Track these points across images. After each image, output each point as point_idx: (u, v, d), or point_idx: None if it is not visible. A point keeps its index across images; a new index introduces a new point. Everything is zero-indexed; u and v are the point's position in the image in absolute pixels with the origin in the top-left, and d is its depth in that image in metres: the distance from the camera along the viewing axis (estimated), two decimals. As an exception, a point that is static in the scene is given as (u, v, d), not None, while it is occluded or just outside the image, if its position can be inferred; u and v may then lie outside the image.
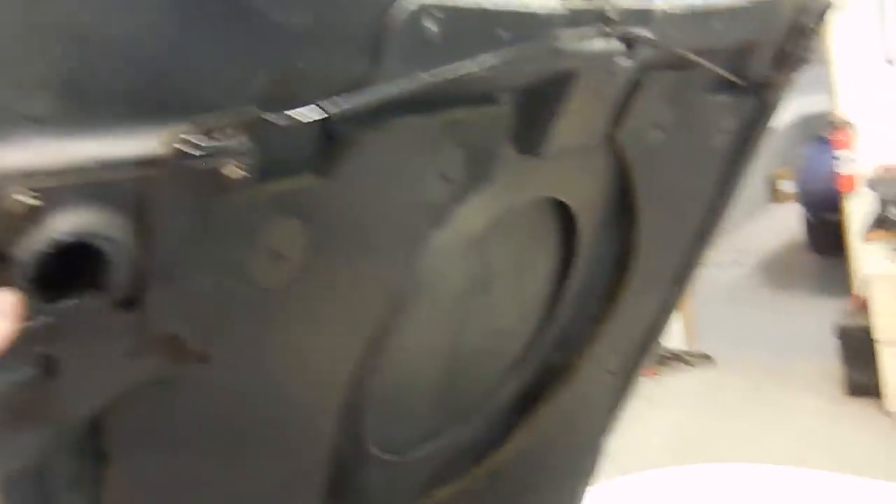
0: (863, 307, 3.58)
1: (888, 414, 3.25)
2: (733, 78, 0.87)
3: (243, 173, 0.40)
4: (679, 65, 0.78)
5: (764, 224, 5.54)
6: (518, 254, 0.90)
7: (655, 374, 3.25)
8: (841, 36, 3.63)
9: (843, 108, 3.76)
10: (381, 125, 0.52)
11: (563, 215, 0.91)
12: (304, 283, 0.55)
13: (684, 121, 0.88)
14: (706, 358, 3.63)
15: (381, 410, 0.82)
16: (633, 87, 0.73)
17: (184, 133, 0.37)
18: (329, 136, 0.50)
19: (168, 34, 0.36)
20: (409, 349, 0.82)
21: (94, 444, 0.47)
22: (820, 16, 0.89)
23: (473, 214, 0.73)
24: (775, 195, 6.23)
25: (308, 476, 0.73)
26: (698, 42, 0.76)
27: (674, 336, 3.45)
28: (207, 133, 0.38)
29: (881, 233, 3.50)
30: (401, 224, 0.60)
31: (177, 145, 0.37)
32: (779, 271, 4.73)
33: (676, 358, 3.57)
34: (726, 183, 1.10)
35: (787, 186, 5.86)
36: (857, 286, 3.77)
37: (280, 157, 0.45)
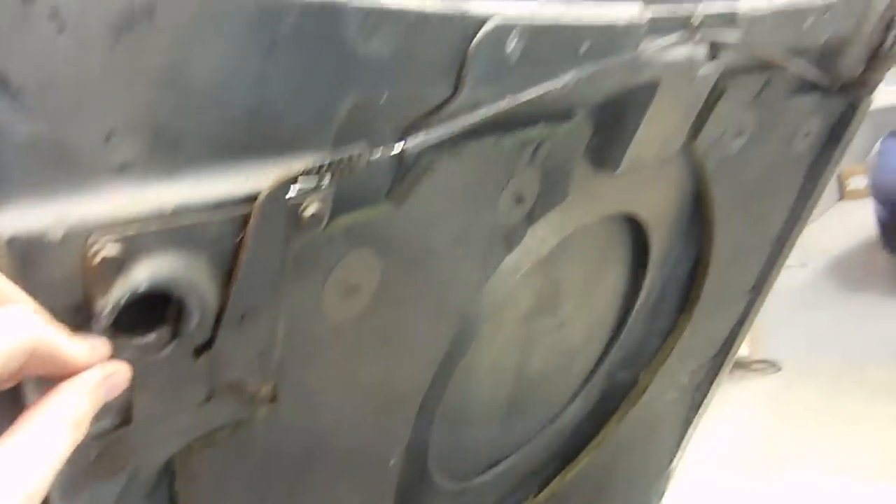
0: (942, 310, 3.38)
1: (972, 424, 3.06)
2: (822, 78, 0.81)
3: (323, 211, 0.38)
4: (764, 67, 0.73)
5: (833, 222, 5.25)
6: (587, 271, 0.86)
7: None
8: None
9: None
10: (455, 149, 0.49)
11: (635, 229, 0.86)
12: (374, 314, 0.53)
13: (766, 125, 0.82)
14: (771, 365, 3.48)
15: (446, 437, 0.79)
16: (716, 94, 0.68)
17: (274, 177, 0.35)
18: (402, 161, 0.48)
19: (254, 69, 0.33)
20: (475, 374, 0.78)
21: (167, 489, 0.46)
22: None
23: (544, 234, 0.70)
24: (845, 192, 5.93)
25: (375, 506, 0.70)
26: (787, 42, 0.70)
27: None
28: (296, 175, 0.35)
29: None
30: (473, 248, 0.57)
31: (266, 189, 0.35)
32: (850, 272, 4.49)
33: (738, 365, 3.42)
34: (808, 188, 1.04)
35: (858, 183, 5.57)
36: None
37: (354, 188, 0.42)
